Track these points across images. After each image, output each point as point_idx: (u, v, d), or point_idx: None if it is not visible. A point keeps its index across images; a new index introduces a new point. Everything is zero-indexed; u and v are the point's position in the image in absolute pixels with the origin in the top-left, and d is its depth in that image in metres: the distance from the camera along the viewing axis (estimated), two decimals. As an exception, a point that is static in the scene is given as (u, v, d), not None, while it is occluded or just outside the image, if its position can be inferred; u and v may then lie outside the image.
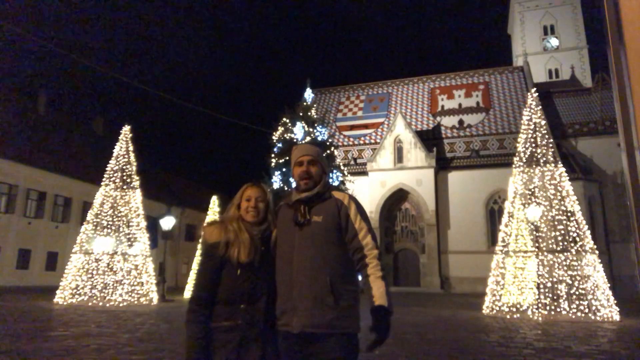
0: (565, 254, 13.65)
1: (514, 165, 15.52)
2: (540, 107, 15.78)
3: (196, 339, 2.11)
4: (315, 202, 2.29)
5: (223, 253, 2.21)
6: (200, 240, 2.52)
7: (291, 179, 20.29)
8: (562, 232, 13.89)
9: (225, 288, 2.19)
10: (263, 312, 2.19)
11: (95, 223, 15.92)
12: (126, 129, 17.28)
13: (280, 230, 2.32)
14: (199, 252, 20.08)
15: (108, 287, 15.09)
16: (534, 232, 14.42)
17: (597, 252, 14.09)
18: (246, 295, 2.18)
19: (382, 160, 34.61)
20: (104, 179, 16.64)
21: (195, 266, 21.28)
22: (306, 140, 19.56)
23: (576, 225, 13.98)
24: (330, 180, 17.80)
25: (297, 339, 2.11)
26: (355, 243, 2.19)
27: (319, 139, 20.31)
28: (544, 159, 14.90)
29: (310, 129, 20.34)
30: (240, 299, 2.17)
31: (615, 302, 13.48)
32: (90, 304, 14.49)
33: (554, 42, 44.64)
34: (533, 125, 15.43)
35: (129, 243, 16.00)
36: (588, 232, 14.16)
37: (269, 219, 2.38)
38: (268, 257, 2.29)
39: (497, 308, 14.02)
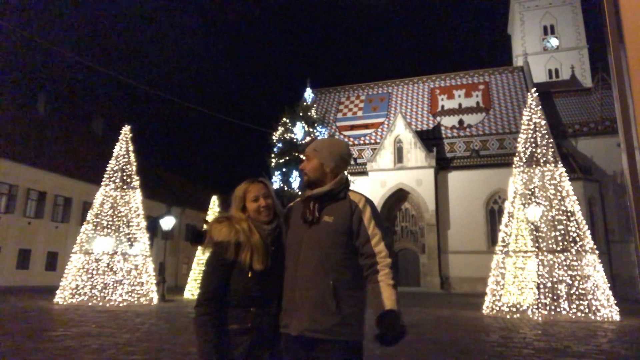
0: (565, 254, 13.66)
1: (514, 165, 15.52)
2: (540, 107, 15.78)
3: (211, 343, 1.99)
4: (328, 200, 2.16)
5: (233, 255, 2.09)
6: (205, 239, 2.36)
7: (291, 179, 20.36)
8: (562, 232, 13.89)
9: (236, 290, 2.08)
10: (274, 316, 2.11)
11: (95, 223, 15.92)
12: (126, 129, 17.27)
13: (292, 227, 2.22)
14: (200, 251, 20.11)
15: (108, 287, 15.09)
16: (534, 232, 14.43)
17: (597, 252, 14.10)
18: (257, 298, 2.09)
19: (382, 160, 34.62)
20: (104, 179, 16.63)
21: (196, 266, 21.24)
22: (306, 140, 19.55)
23: (576, 225, 13.98)
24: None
25: (297, 342, 2.02)
26: (367, 249, 2.05)
27: (319, 139, 20.36)
28: (544, 159, 14.90)
29: (310, 129, 20.38)
30: (251, 302, 2.08)
31: (615, 302, 13.49)
32: (90, 304, 14.48)
33: (554, 42, 44.61)
34: (533, 125, 15.43)
35: (129, 243, 16.01)
36: (588, 232, 14.17)
37: (277, 213, 2.26)
38: (279, 258, 2.17)
39: (497, 308, 14.02)
